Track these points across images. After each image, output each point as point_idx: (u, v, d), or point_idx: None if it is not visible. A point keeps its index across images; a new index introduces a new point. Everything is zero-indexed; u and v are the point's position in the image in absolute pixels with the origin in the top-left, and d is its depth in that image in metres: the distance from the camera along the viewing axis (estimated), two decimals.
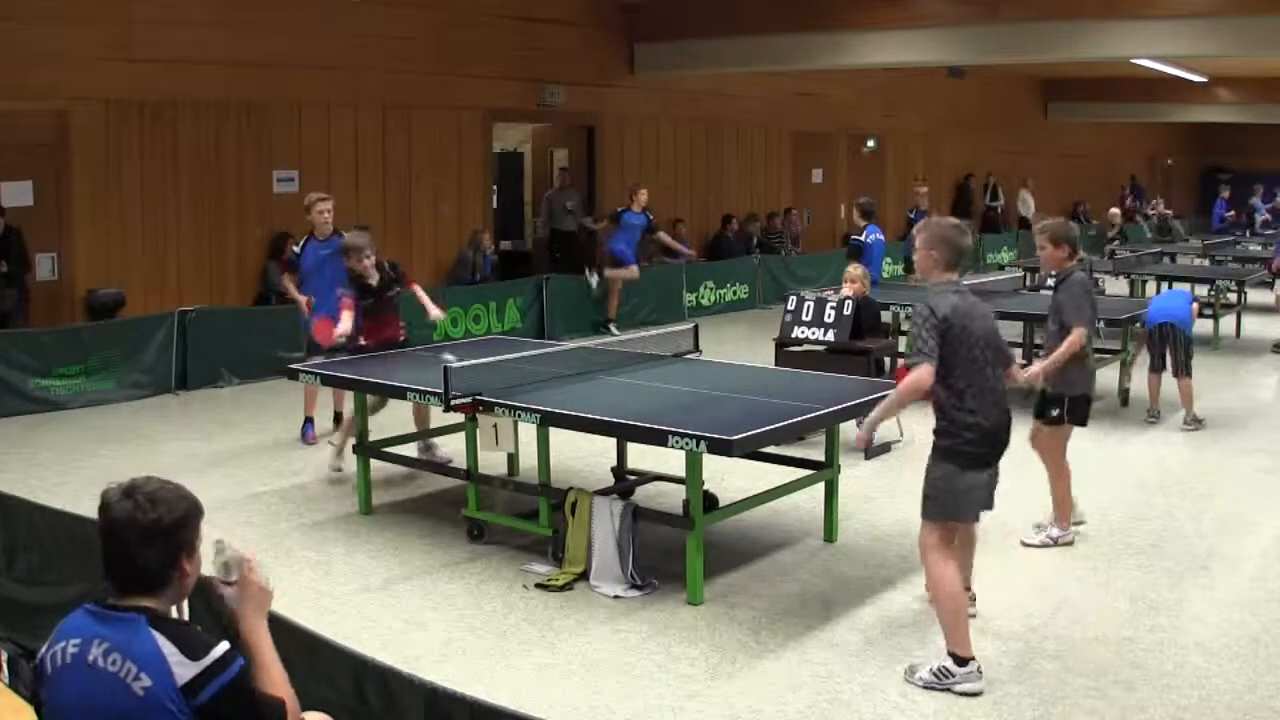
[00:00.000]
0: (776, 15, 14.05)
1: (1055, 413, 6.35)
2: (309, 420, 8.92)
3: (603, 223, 14.81)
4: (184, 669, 2.55)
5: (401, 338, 8.12)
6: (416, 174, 13.81)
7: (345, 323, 7.68)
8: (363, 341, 7.93)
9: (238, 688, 2.61)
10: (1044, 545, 6.43)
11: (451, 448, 7.70)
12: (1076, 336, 6.18)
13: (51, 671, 2.64)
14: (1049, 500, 6.54)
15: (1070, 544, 6.43)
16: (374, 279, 7.86)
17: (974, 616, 5.22)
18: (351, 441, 7.38)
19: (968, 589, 5.25)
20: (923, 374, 4.70)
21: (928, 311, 4.76)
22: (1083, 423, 6.44)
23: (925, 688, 4.75)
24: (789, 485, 6.47)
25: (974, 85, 22.42)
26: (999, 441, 4.90)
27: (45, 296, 10.99)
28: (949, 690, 4.72)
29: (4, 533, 5.05)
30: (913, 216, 17.34)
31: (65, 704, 2.61)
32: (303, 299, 8.77)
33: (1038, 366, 6.20)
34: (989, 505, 5.00)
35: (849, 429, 8.15)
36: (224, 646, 2.63)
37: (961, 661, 4.74)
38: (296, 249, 8.97)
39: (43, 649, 2.70)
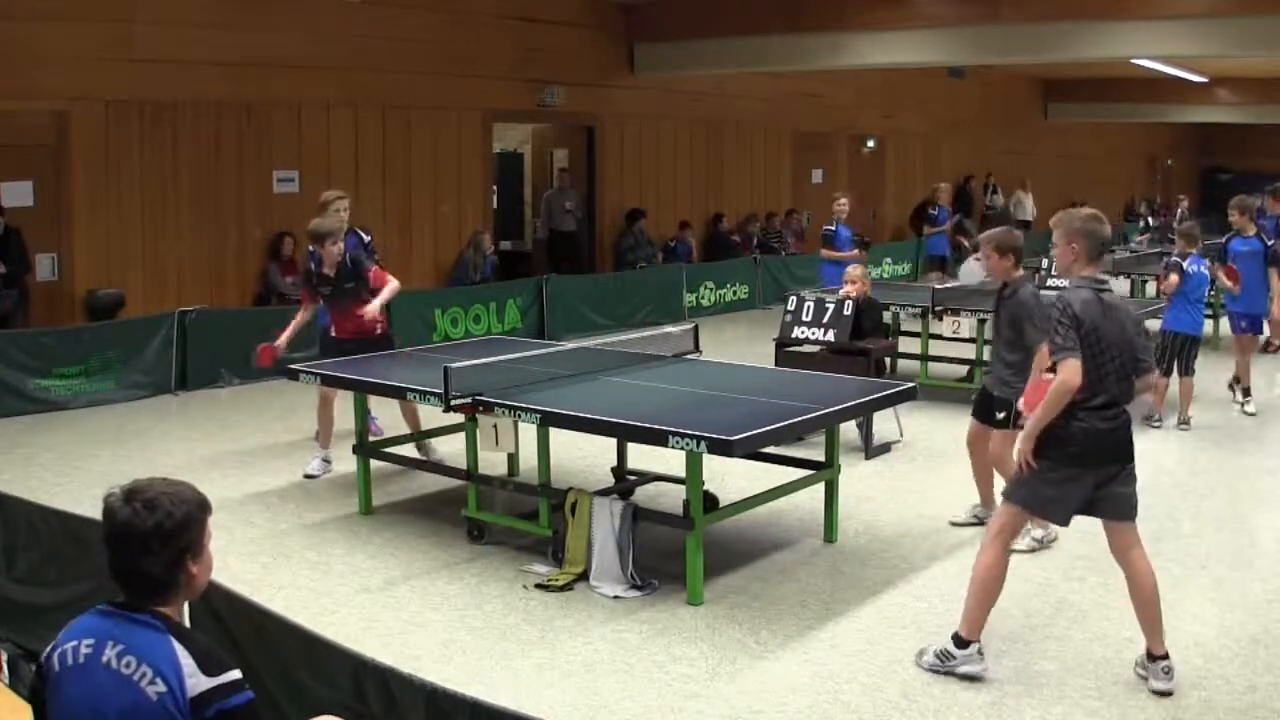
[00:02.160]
0: (776, 15, 14.06)
1: (1001, 416, 6.27)
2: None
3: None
4: (197, 680, 2.51)
5: (378, 331, 7.94)
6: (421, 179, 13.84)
7: (287, 331, 7.94)
8: (334, 333, 7.96)
9: (243, 714, 2.55)
10: (1031, 550, 6.34)
11: (451, 448, 7.70)
12: (1044, 354, 5.99)
13: (60, 670, 2.60)
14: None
15: (1055, 540, 6.37)
16: (330, 268, 7.82)
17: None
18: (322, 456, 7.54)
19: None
20: (1067, 374, 4.50)
21: (1061, 306, 4.59)
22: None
23: (929, 670, 4.88)
24: (789, 485, 6.47)
25: (974, 85, 22.43)
26: (1108, 447, 4.66)
27: (45, 296, 10.99)
28: (951, 673, 4.82)
29: (4, 533, 5.05)
30: (934, 213, 17.36)
31: (73, 702, 2.57)
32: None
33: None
34: (1107, 515, 4.77)
35: (849, 429, 8.22)
36: (238, 673, 2.58)
37: (963, 644, 4.84)
38: (311, 248, 8.66)
39: (49, 647, 2.67)
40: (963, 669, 4.84)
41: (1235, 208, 10.18)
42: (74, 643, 2.60)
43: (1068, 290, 4.71)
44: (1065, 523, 4.86)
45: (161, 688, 2.49)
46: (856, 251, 12.67)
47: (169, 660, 2.52)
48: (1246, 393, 9.93)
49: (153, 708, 2.49)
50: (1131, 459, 4.73)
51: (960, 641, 4.86)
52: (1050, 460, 4.66)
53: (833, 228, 12.83)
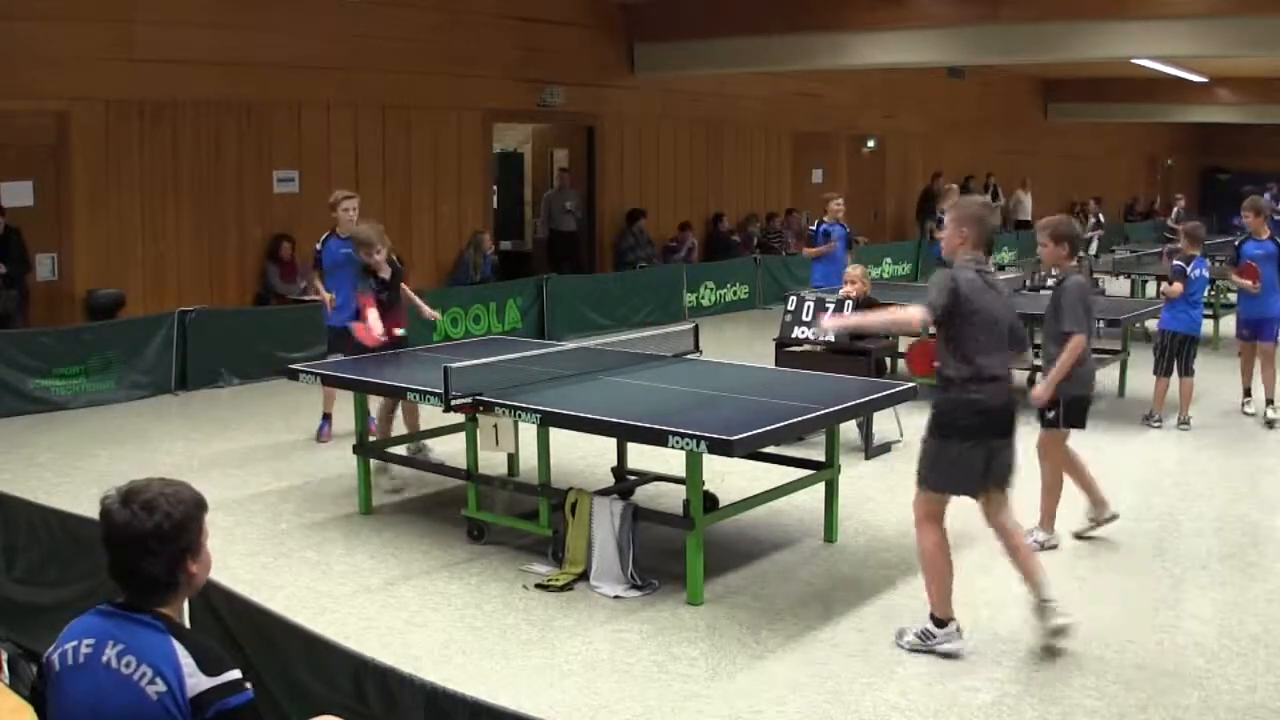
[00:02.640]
0: (776, 15, 14.06)
1: (1050, 415, 6.28)
2: (326, 417, 8.84)
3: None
4: (197, 680, 2.51)
5: (401, 332, 8.10)
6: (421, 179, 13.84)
7: (376, 322, 7.78)
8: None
9: (242, 714, 2.55)
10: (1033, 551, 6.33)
11: (451, 448, 7.70)
12: (1076, 344, 6.06)
13: (60, 669, 2.60)
14: (1037, 503, 6.48)
15: (1055, 548, 6.37)
16: (386, 272, 7.93)
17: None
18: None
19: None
20: (915, 313, 5.16)
21: (946, 278, 4.95)
22: (1080, 424, 6.38)
23: (911, 650, 5.08)
24: (789, 485, 6.47)
25: (974, 85, 22.43)
26: (997, 420, 4.99)
27: (45, 296, 10.99)
28: (932, 651, 5.03)
29: (4, 533, 5.05)
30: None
31: (73, 702, 2.57)
32: (326, 296, 8.56)
33: (1041, 388, 6.17)
34: (992, 483, 5.07)
35: (849, 429, 8.21)
36: (238, 673, 2.58)
37: (941, 623, 5.06)
38: (318, 246, 8.72)
39: (50, 648, 2.67)
40: (942, 647, 5.03)
41: (1249, 209, 9.62)
42: (74, 643, 2.60)
43: (955, 268, 5.01)
44: (976, 494, 5.10)
45: (161, 687, 2.49)
46: (830, 244, 12.16)
47: (169, 660, 2.52)
48: (1247, 393, 9.81)
49: (153, 707, 2.49)
50: (1013, 433, 5.10)
51: (938, 621, 5.05)
52: (945, 438, 4.99)
53: (814, 227, 12.72)
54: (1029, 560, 5.15)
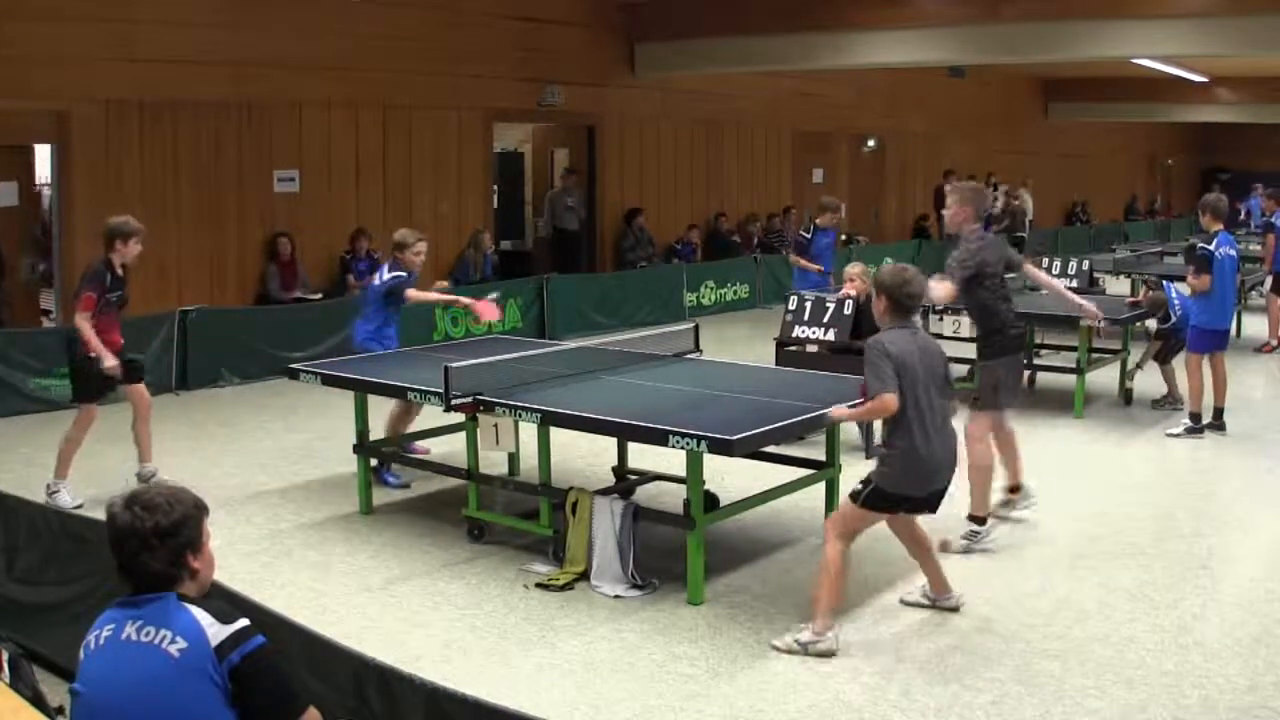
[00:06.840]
0: (776, 15, 14.06)
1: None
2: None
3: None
4: (216, 629, 2.72)
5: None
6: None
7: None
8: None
9: (264, 653, 2.76)
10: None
11: (451, 447, 7.70)
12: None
13: (85, 657, 2.79)
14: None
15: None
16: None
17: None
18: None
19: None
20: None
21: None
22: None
23: (964, 553, 6.12)
24: (789, 485, 6.47)
25: (974, 85, 22.40)
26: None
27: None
28: (975, 550, 6.22)
29: (4, 533, 5.05)
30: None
31: (98, 680, 2.75)
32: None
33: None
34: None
35: (850, 428, 8.21)
36: (246, 620, 2.78)
37: (980, 521, 6.30)
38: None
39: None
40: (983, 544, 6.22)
41: (1203, 208, 9.05)
42: (97, 632, 2.80)
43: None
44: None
45: (183, 644, 2.69)
46: (818, 267, 11.44)
47: (187, 619, 2.73)
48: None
49: (175, 666, 2.67)
50: None
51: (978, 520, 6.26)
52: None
53: (807, 233, 11.80)
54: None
